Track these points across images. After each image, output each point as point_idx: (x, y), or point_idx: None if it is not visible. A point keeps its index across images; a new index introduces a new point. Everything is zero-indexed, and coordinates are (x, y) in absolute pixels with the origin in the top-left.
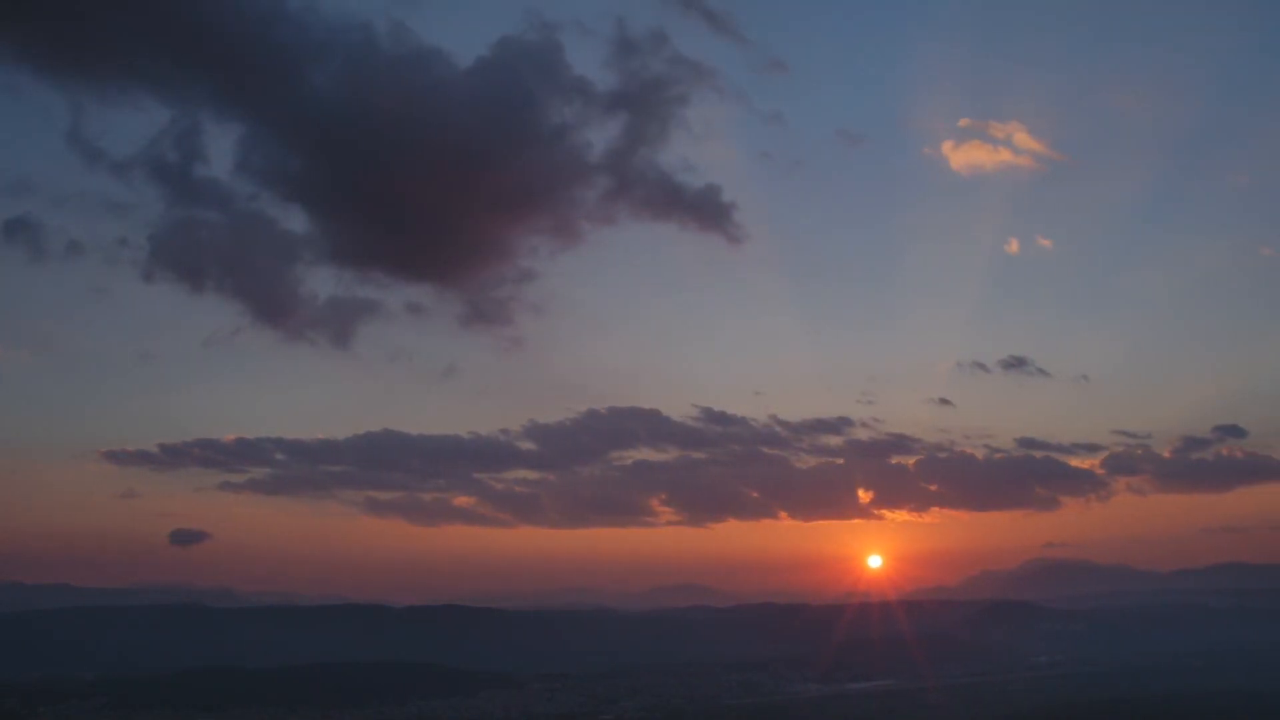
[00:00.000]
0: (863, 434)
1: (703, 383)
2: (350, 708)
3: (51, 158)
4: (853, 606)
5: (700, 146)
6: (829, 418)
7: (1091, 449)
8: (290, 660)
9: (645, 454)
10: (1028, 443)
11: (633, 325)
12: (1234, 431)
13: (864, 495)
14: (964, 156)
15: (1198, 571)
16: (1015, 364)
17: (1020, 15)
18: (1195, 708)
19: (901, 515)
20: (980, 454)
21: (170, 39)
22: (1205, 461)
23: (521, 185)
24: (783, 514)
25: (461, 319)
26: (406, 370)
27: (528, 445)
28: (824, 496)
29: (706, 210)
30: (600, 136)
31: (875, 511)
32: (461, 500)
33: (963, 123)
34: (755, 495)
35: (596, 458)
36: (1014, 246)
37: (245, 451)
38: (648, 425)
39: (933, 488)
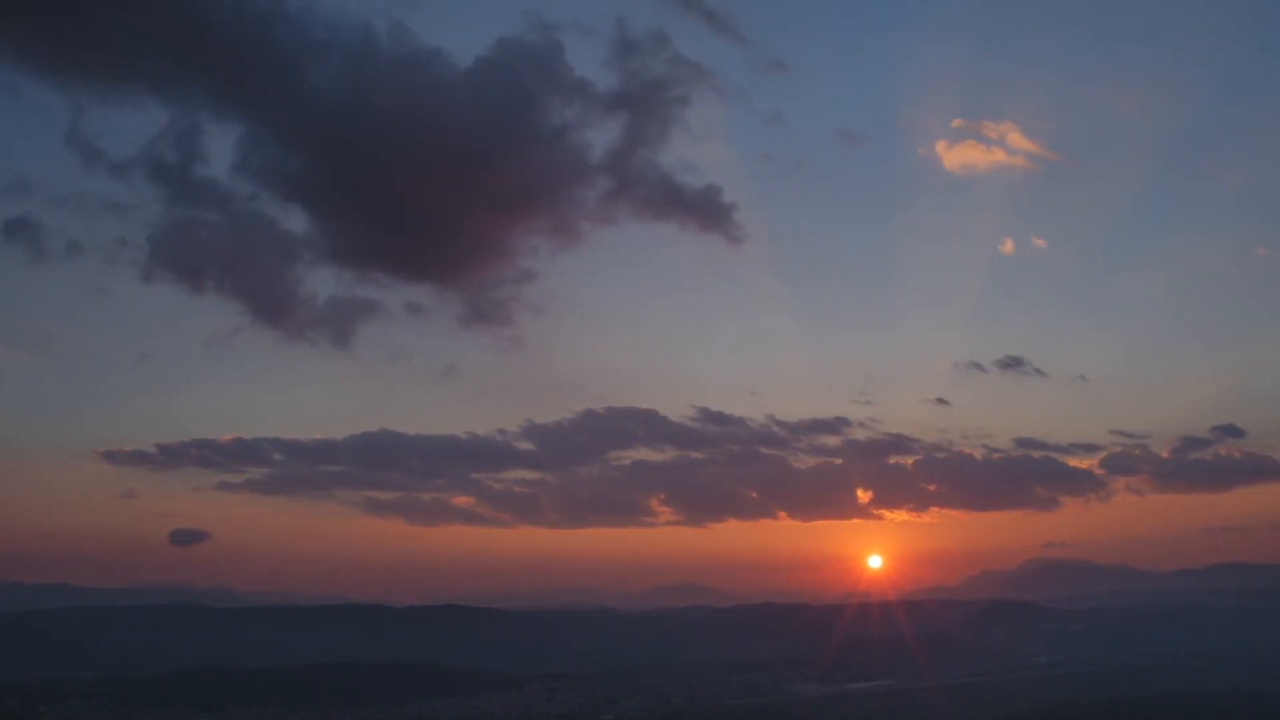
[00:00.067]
0: (860, 434)
1: (700, 383)
2: (350, 708)
3: (51, 158)
4: (853, 606)
5: (700, 147)
6: (826, 418)
7: (1090, 449)
8: (290, 660)
9: (643, 454)
10: (1026, 443)
11: (632, 326)
12: (1232, 431)
13: (863, 495)
14: (959, 157)
15: (1198, 571)
16: (1012, 364)
17: (1015, 15)
18: (1195, 708)
19: (901, 515)
20: (979, 454)
21: (170, 39)
22: (1204, 461)
23: (521, 185)
24: (782, 514)
25: (461, 319)
26: (406, 370)
27: (525, 445)
28: (823, 496)
29: (706, 210)
30: (600, 137)
31: (874, 511)
32: (460, 500)
33: (955, 123)
34: (754, 495)
35: (595, 458)
36: (1009, 247)
37: (243, 452)
38: (645, 425)
39: (932, 488)
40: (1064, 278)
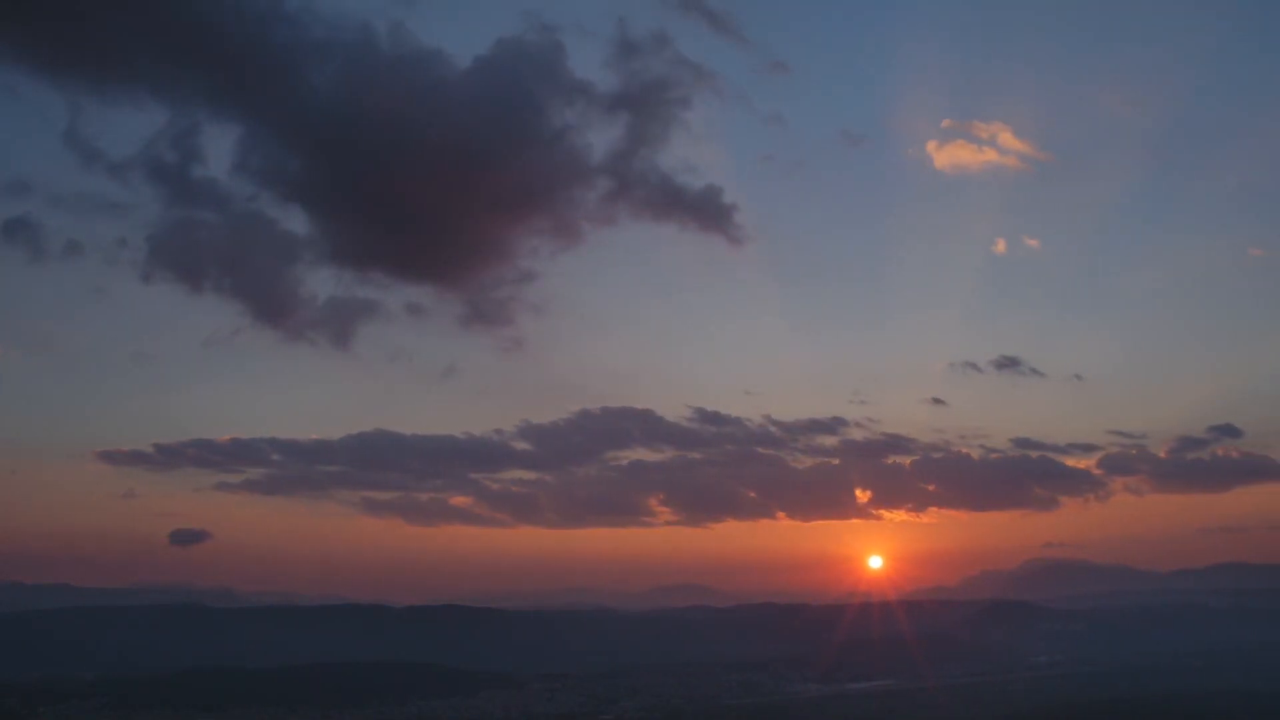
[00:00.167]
0: (857, 434)
1: (695, 383)
2: (350, 708)
3: (50, 158)
4: (853, 606)
5: (701, 147)
6: (823, 418)
7: (1087, 449)
8: (290, 660)
9: (641, 454)
10: (1023, 443)
11: (631, 326)
12: (1229, 431)
13: (861, 495)
14: (953, 157)
15: (1197, 571)
16: (1008, 364)
17: (1007, 15)
18: (1195, 708)
19: (900, 515)
20: (976, 454)
21: (169, 39)
22: (1202, 461)
23: (522, 186)
24: (781, 514)
25: (461, 319)
26: (406, 371)
27: (522, 445)
28: (821, 496)
29: (706, 211)
30: (601, 138)
31: (873, 511)
32: (459, 500)
33: (945, 123)
34: (752, 495)
35: (592, 458)
36: (1001, 247)
37: (240, 452)
38: (642, 425)
39: (930, 488)
40: (1058, 278)
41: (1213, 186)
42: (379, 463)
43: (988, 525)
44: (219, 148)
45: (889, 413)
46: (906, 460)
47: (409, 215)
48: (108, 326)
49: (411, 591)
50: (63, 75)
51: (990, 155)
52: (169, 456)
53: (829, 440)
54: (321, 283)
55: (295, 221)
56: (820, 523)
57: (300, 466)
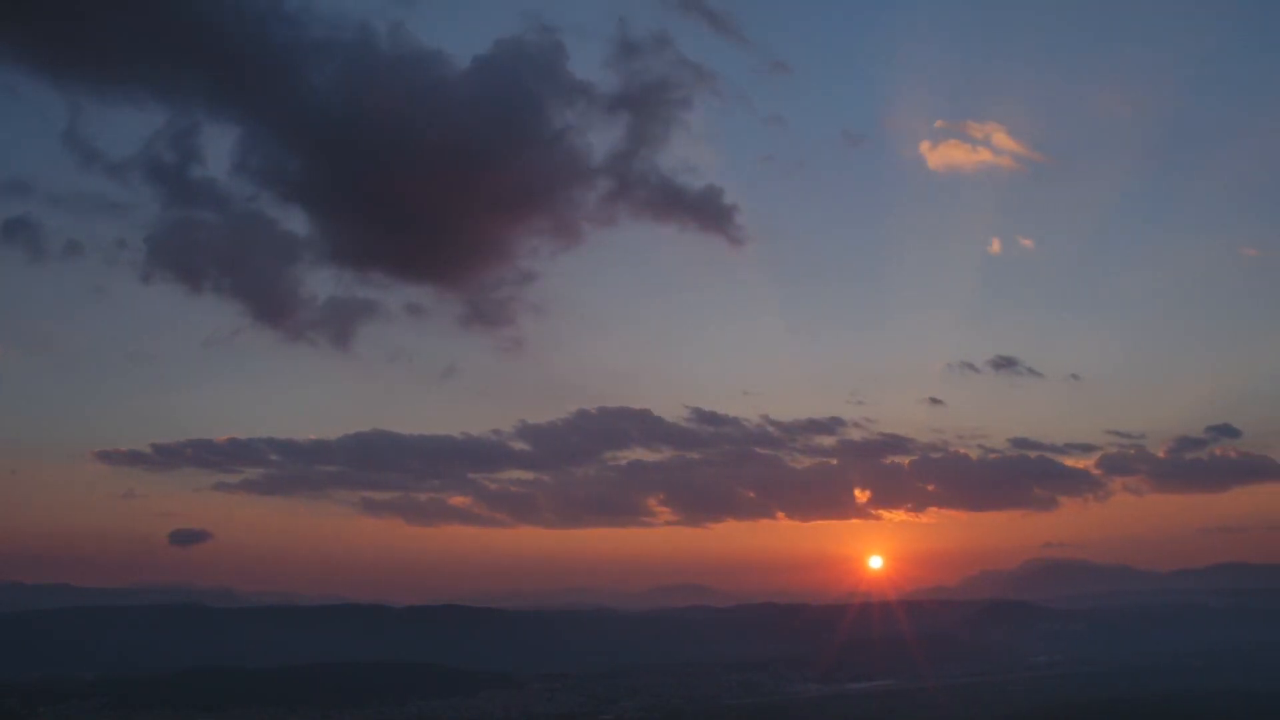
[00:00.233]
0: (855, 434)
1: (692, 383)
2: (350, 708)
3: (49, 158)
4: (853, 607)
5: (701, 148)
6: (821, 418)
7: (1086, 449)
8: (290, 660)
9: (639, 454)
10: (1021, 443)
11: (630, 327)
12: (1228, 431)
13: (861, 495)
14: (948, 157)
15: (1196, 571)
16: (1005, 364)
17: (1002, 16)
18: (1195, 708)
19: (899, 515)
20: (974, 454)
21: (169, 39)
22: (1200, 461)
23: (522, 186)
24: (780, 514)
25: (461, 320)
26: (406, 371)
27: (520, 445)
28: (820, 497)
29: (707, 212)
30: (602, 138)
31: (873, 512)
32: (458, 500)
33: (938, 123)
34: (751, 495)
35: (591, 458)
36: (996, 247)
37: (238, 452)
38: (639, 425)
39: (929, 488)
40: (1053, 278)
41: (1207, 186)
42: (377, 463)
43: (987, 525)
44: (219, 148)
45: (887, 413)
46: (905, 460)
47: (409, 215)
48: (107, 327)
49: (411, 591)
50: (62, 75)
51: (984, 155)
52: (167, 457)
53: (827, 440)
54: (321, 283)
55: (295, 222)
56: (820, 523)
57: (299, 466)
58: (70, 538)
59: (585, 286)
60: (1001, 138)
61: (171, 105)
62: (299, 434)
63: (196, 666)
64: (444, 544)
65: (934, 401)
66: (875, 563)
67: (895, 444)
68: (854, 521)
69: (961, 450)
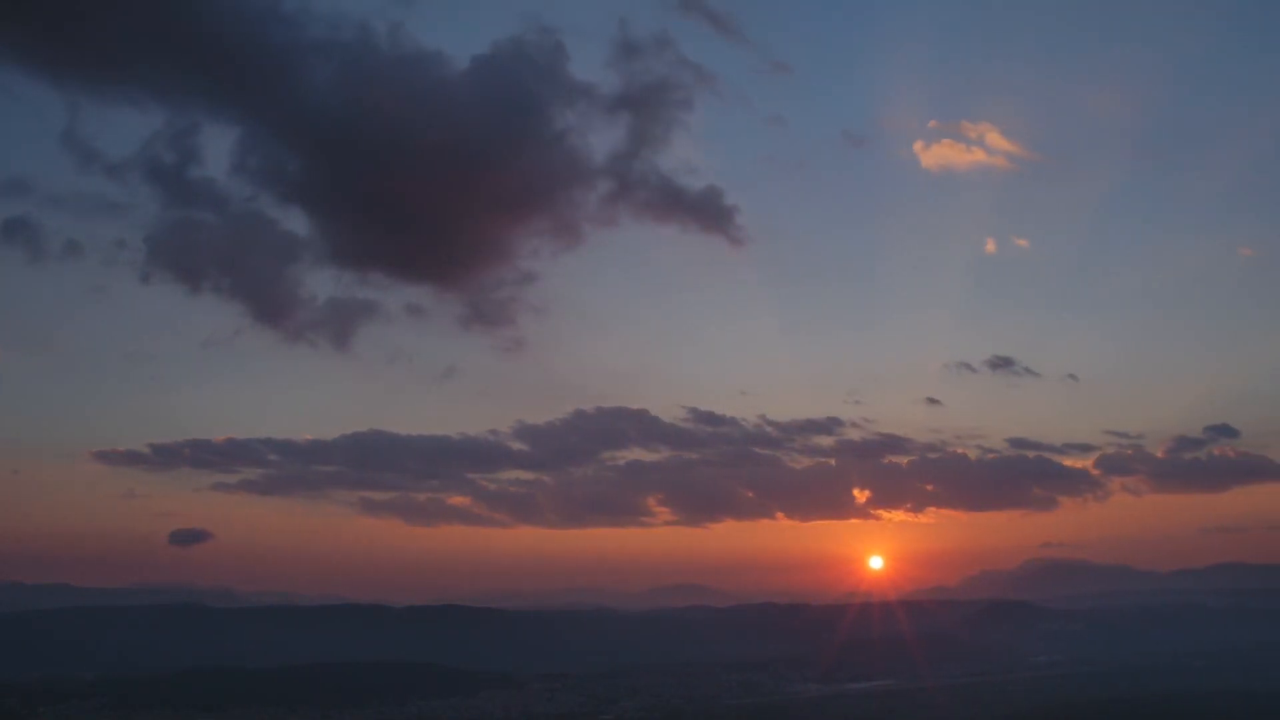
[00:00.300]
0: (853, 434)
1: (692, 384)
2: (350, 708)
3: (48, 158)
4: (852, 607)
5: (701, 148)
6: (818, 418)
7: (1084, 449)
8: (290, 660)
9: (637, 454)
10: (1019, 443)
11: (629, 327)
12: (1226, 431)
13: (860, 495)
14: (944, 157)
15: (1196, 571)
16: (1001, 364)
17: (995, 15)
18: (1194, 708)
19: (899, 515)
20: (973, 454)
21: (168, 39)
22: (1199, 461)
23: (522, 187)
24: (779, 514)
25: (461, 320)
26: (406, 371)
27: (518, 446)
28: (820, 497)
29: (707, 212)
30: (602, 139)
31: (872, 512)
32: (456, 500)
33: (931, 124)
34: (750, 495)
35: (589, 458)
36: (990, 246)
37: (236, 452)
38: (637, 425)
39: (928, 488)
40: (1048, 278)
41: (1202, 186)
42: (376, 463)
43: (986, 525)
44: (218, 148)
45: (884, 413)
46: (904, 460)
47: (409, 216)
48: (106, 327)
49: (411, 591)
50: (62, 75)
51: (979, 155)
52: (165, 457)
53: (825, 440)
54: (321, 283)
55: (294, 222)
56: (819, 523)
57: (297, 467)
58: (70, 538)
59: (586, 287)
60: (995, 138)
61: (171, 105)
62: (297, 434)
63: (196, 666)
64: (443, 544)
65: (931, 401)
66: (875, 563)
67: (893, 444)
68: (853, 521)
69: (960, 450)
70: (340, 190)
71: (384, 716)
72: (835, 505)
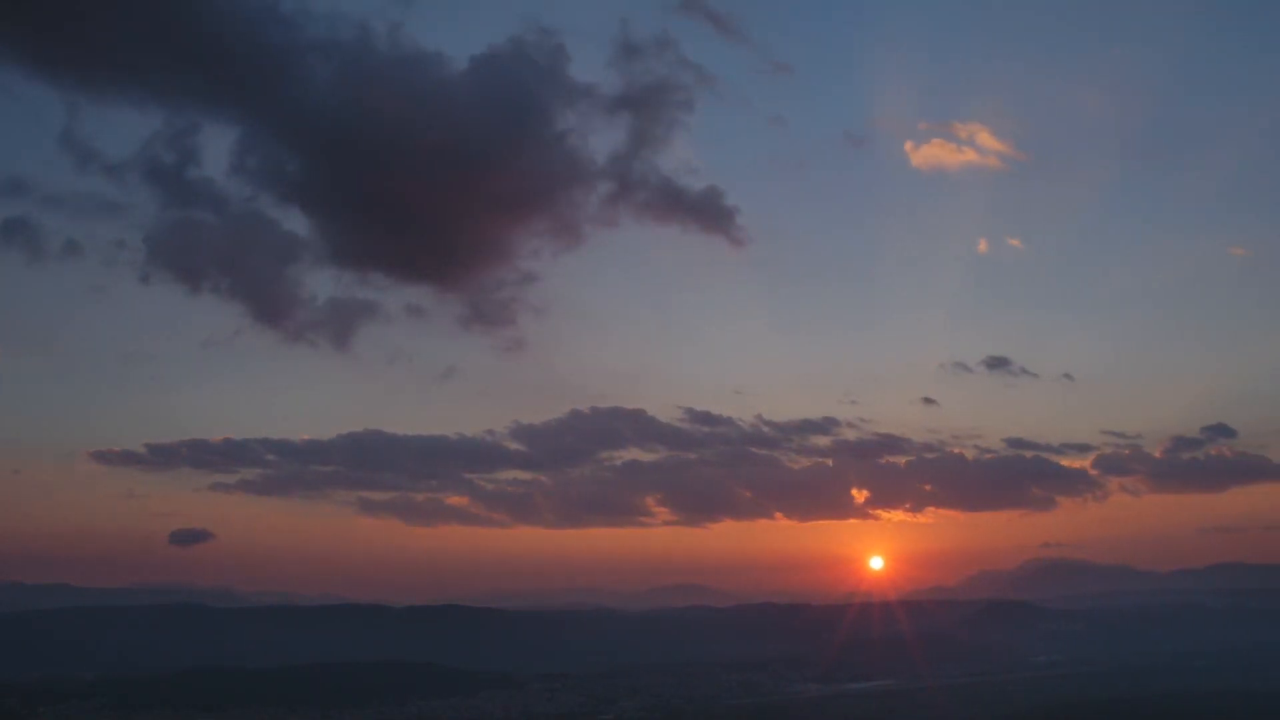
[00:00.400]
0: (850, 434)
1: (689, 384)
2: (350, 708)
3: (48, 158)
4: (852, 607)
5: (702, 149)
6: (815, 418)
7: (1082, 449)
8: (290, 660)
9: (635, 454)
10: (1016, 443)
11: (627, 328)
12: (1223, 431)
13: (858, 495)
14: (936, 158)
15: (1195, 571)
16: (997, 364)
17: (987, 16)
18: (1194, 708)
19: (897, 515)
20: (970, 454)
21: (167, 40)
22: (1197, 461)
23: (523, 188)
24: (778, 514)
25: (461, 321)
26: (405, 372)
27: (516, 446)
28: (818, 497)
29: (708, 213)
30: (603, 139)
31: (871, 512)
32: (455, 500)
33: (921, 125)
34: (749, 495)
35: (586, 458)
36: (983, 247)
37: (233, 452)
38: (633, 425)
39: (927, 488)
40: (1042, 278)
41: (1193, 186)
42: (373, 463)
43: (985, 525)
44: (217, 148)
45: (881, 413)
46: (901, 460)
47: (409, 216)
48: (106, 327)
49: (410, 591)
50: (60, 75)
51: (970, 155)
52: (162, 457)
53: (822, 440)
54: (321, 284)
55: (294, 222)
56: (818, 523)
57: (294, 467)
58: (70, 538)
59: (586, 287)
60: (986, 138)
61: (170, 105)
62: (294, 434)
63: (196, 666)
64: (442, 544)
65: (928, 402)
66: (874, 563)
67: (891, 444)
68: (852, 521)
69: (957, 450)
70: (340, 190)
71: (384, 716)
72: (834, 505)
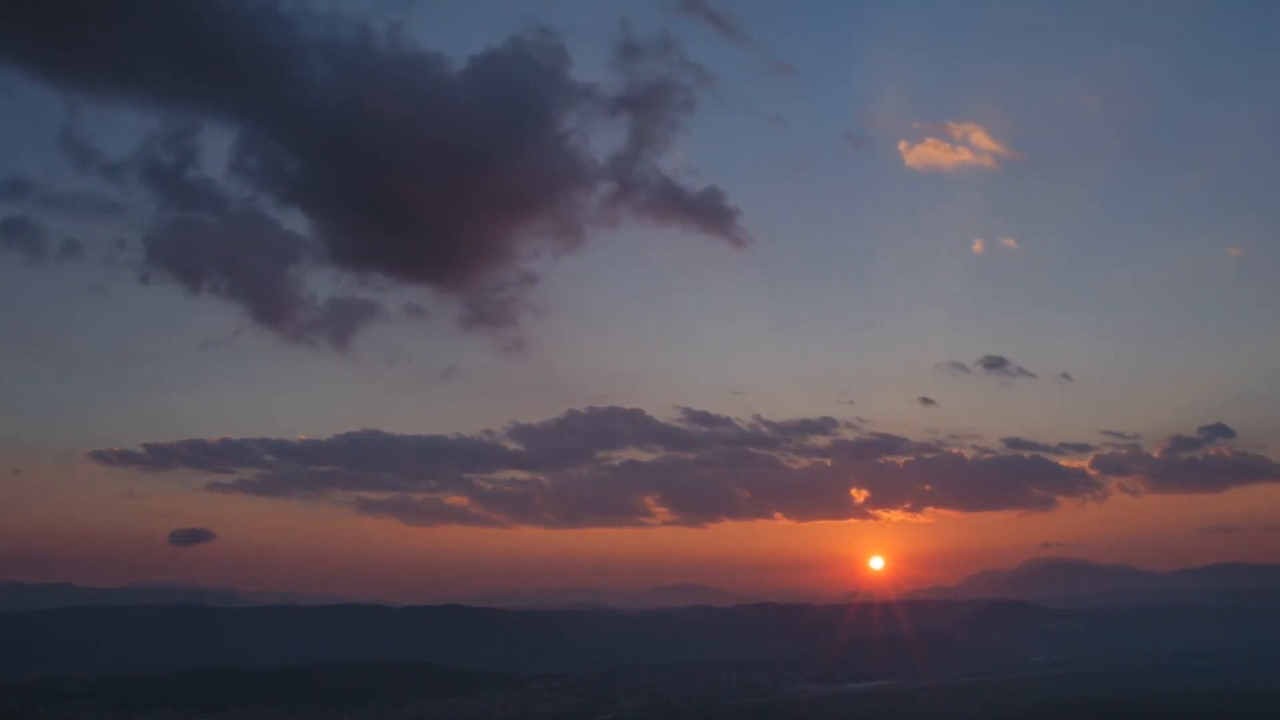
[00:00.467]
0: (849, 434)
1: (688, 384)
2: (350, 708)
3: (47, 158)
4: (852, 607)
5: (702, 149)
6: (813, 418)
7: (1081, 449)
8: (290, 660)
9: (633, 454)
10: (1015, 443)
11: (630, 328)
12: (1222, 431)
13: (857, 495)
14: (932, 158)
15: (1195, 571)
16: (994, 364)
17: (986, 16)
18: (1194, 708)
19: (897, 515)
20: (969, 454)
21: (166, 40)
22: (1196, 461)
23: (524, 188)
24: (777, 514)
25: (461, 321)
26: (405, 372)
27: (514, 446)
28: (817, 497)
29: (708, 213)
30: (604, 140)
31: (870, 512)
32: (454, 500)
33: (915, 124)
34: (748, 495)
35: (584, 458)
36: (979, 247)
37: (231, 452)
38: (631, 425)
39: (926, 488)
40: (1038, 278)
41: (1188, 186)
42: (372, 463)
43: (985, 525)
44: (217, 149)
45: (879, 413)
46: (900, 460)
47: (409, 216)
48: (106, 327)
49: (410, 591)
50: (60, 75)
51: (964, 156)
52: (161, 457)
53: (821, 440)
54: (320, 284)
55: (294, 223)
56: (817, 523)
57: (292, 467)
58: (70, 538)
59: (586, 288)
60: (980, 137)
61: (169, 105)
62: (292, 434)
63: (196, 666)
64: (441, 544)
65: (926, 402)
66: (874, 563)
67: (889, 444)
68: (852, 521)
69: (956, 450)
70: (340, 191)
71: (383, 716)
72: (833, 505)
